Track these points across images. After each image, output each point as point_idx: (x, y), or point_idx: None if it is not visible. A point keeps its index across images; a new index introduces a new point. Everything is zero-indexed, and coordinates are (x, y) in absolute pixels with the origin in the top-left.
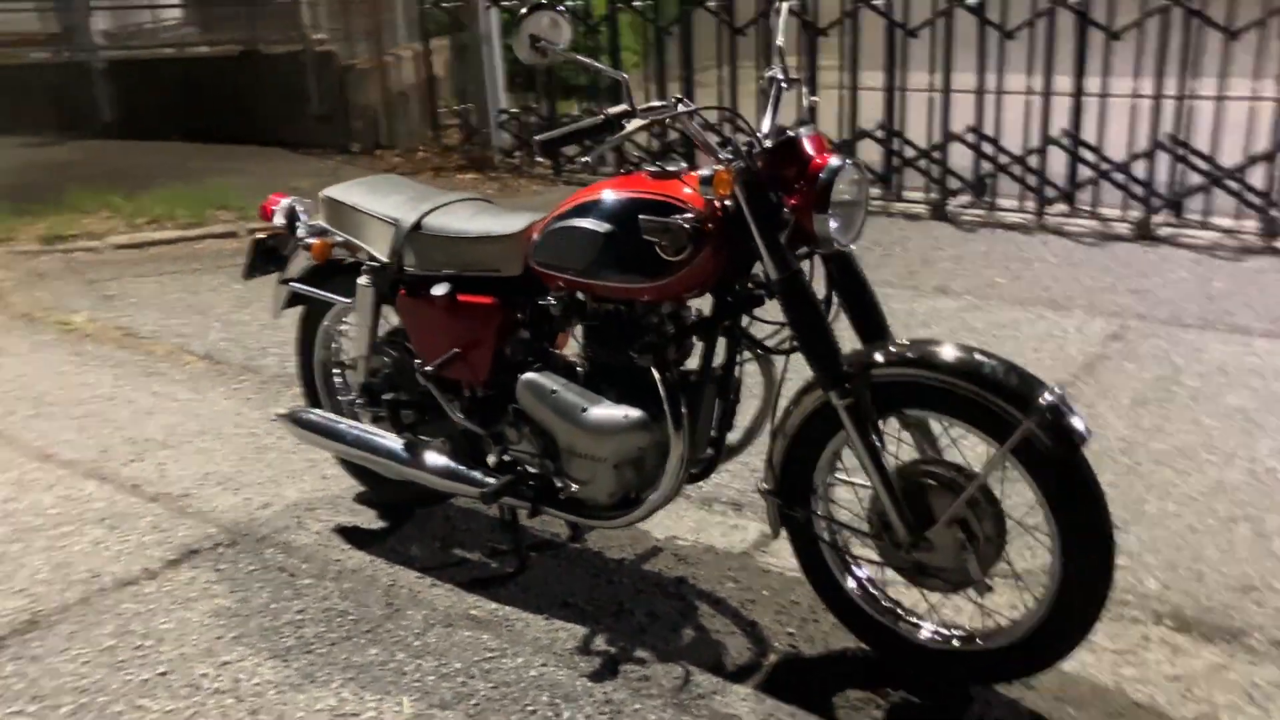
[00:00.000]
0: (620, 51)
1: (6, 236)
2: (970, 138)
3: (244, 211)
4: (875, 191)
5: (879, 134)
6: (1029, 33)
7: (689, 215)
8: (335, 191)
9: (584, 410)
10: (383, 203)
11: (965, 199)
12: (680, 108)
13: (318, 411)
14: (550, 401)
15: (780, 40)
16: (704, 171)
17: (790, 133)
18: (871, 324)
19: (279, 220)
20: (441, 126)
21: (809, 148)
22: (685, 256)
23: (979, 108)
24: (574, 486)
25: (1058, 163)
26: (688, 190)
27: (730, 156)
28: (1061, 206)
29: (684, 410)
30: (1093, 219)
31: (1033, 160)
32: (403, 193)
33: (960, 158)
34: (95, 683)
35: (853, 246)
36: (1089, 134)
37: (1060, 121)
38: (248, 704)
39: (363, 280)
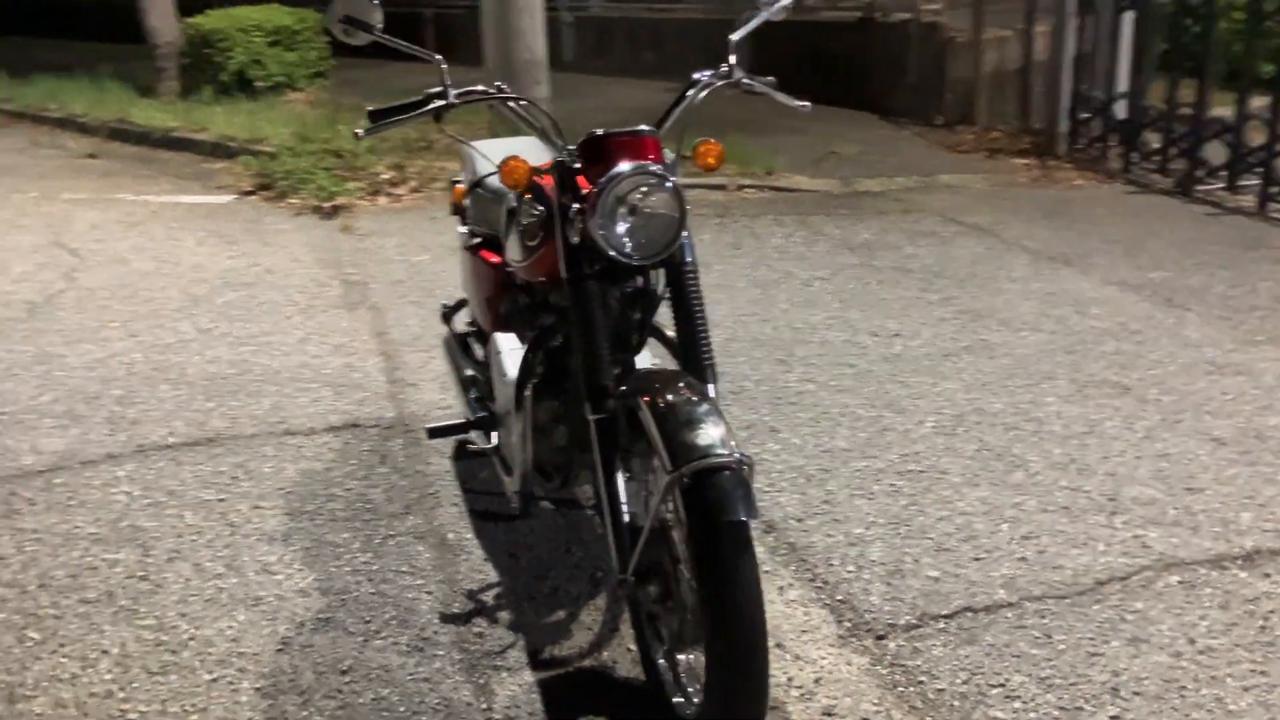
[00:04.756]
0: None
1: None
2: None
3: (747, 167)
4: None
5: None
6: None
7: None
8: (478, 144)
9: (504, 375)
10: (489, 159)
11: None
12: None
13: (454, 335)
14: (495, 361)
15: (736, 37)
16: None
17: (600, 131)
18: (687, 349)
19: None
20: (1031, 108)
21: (616, 149)
22: (537, 243)
23: None
24: (497, 441)
25: None
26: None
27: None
28: None
29: (527, 392)
30: None
31: None
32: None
33: None
34: (180, 491)
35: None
36: None
37: None
38: (231, 539)
39: (462, 227)
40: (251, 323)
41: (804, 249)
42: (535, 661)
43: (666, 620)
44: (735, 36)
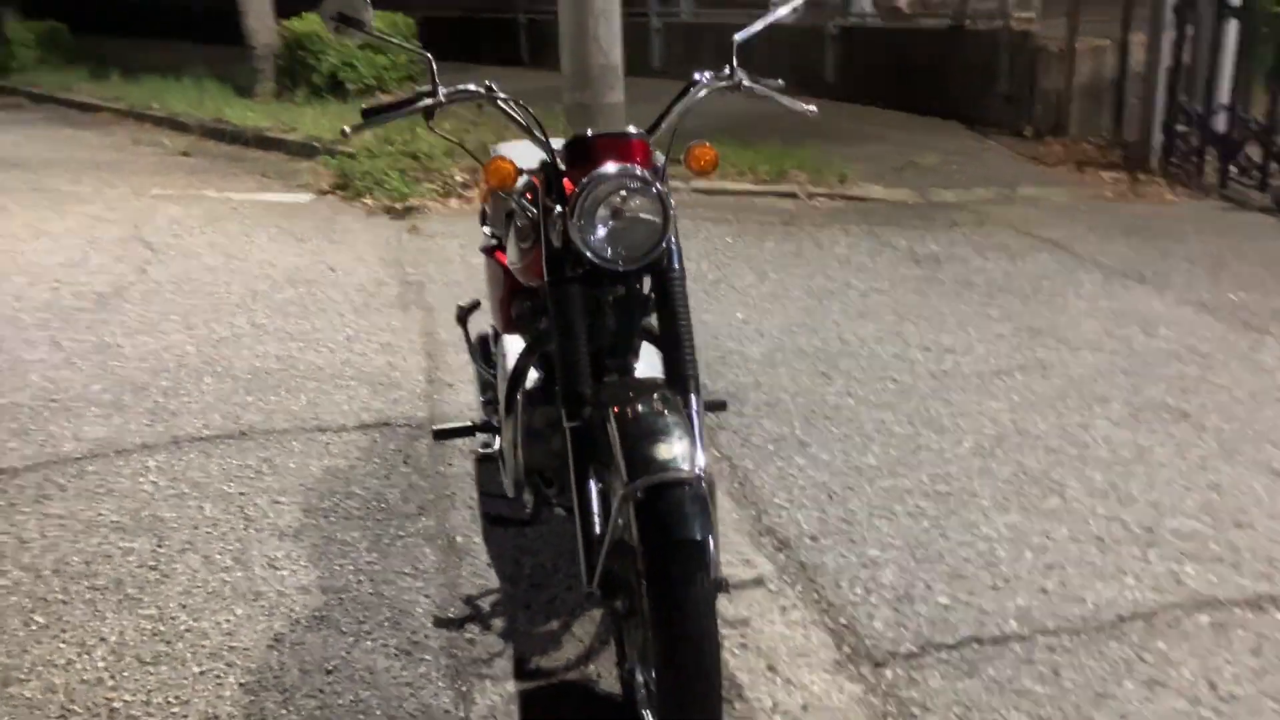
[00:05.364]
0: None
1: None
2: None
3: (820, 175)
4: None
5: None
6: None
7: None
8: (502, 146)
9: (508, 377)
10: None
11: None
12: (489, 93)
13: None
14: (501, 363)
15: (739, 38)
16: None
17: (588, 132)
18: (669, 358)
19: None
20: (1125, 120)
21: (602, 151)
22: (529, 245)
23: None
24: (498, 444)
25: None
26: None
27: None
28: None
29: (519, 396)
30: None
31: None
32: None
33: None
34: (204, 483)
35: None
36: None
37: None
38: (244, 533)
39: (484, 228)
40: (305, 319)
41: (867, 260)
42: (521, 671)
43: (632, 635)
44: (739, 37)
